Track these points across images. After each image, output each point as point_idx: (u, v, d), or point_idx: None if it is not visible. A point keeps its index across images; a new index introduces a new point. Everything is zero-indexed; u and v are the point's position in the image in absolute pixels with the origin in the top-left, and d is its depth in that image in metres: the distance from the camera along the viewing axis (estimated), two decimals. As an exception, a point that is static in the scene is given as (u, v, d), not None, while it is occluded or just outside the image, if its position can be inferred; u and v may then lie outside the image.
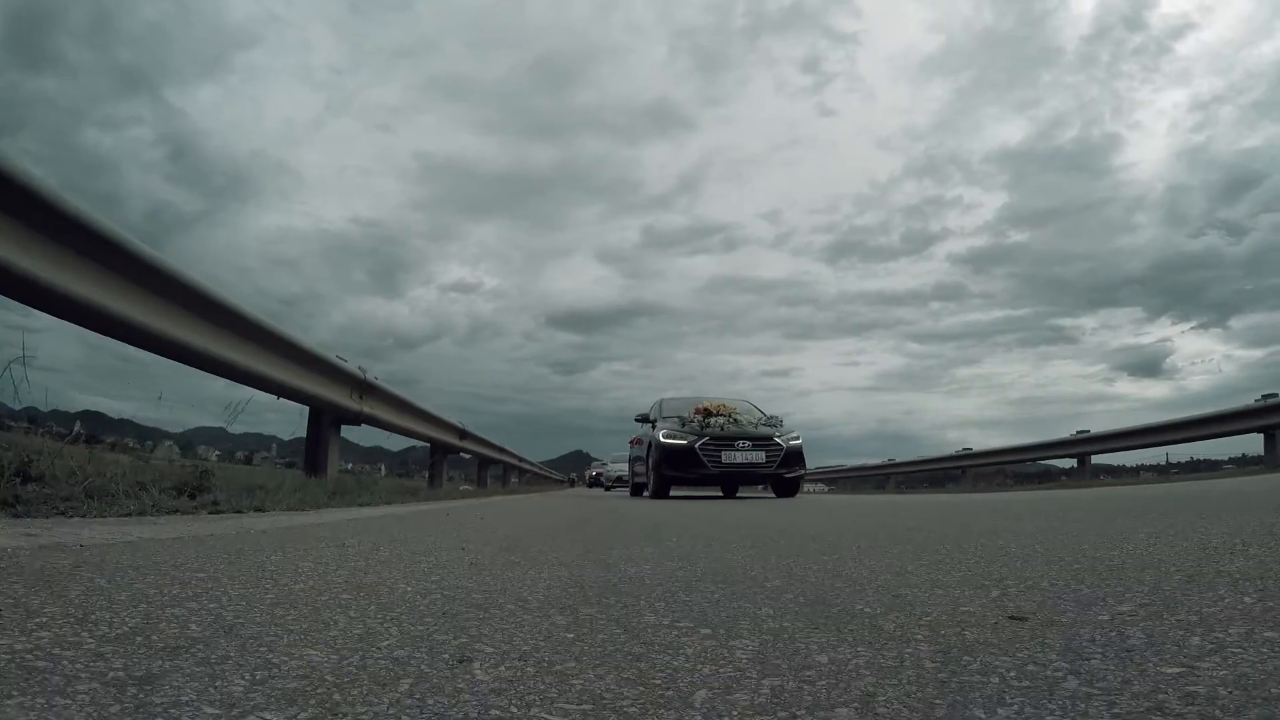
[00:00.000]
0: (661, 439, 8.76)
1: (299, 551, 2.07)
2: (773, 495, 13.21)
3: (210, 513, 3.27)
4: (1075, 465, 13.64)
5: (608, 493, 16.54)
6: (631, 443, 12.25)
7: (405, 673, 0.86)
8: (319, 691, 0.78)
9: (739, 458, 8.50)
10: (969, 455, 16.22)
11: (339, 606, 1.26)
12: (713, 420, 8.93)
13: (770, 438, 8.65)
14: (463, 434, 10.59)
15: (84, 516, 2.51)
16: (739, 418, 9.09)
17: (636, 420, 10.96)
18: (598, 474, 28.25)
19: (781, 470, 8.59)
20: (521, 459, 18.91)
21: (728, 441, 8.58)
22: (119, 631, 1.00)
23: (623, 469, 20.29)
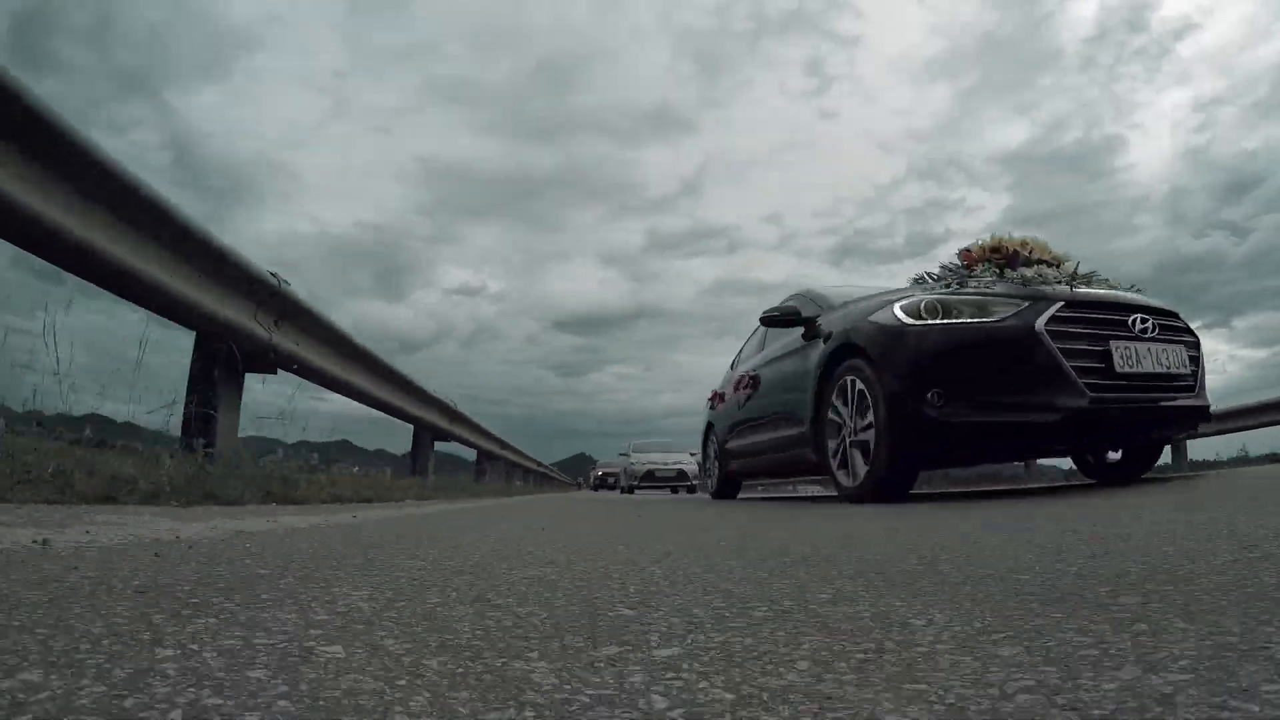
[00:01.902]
0: (900, 318, 3.34)
1: None
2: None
3: None
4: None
5: (629, 495, 12.91)
6: (714, 399, 6.36)
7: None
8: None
9: (1144, 358, 3.21)
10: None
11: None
12: (1033, 274, 3.60)
13: (1174, 315, 3.52)
14: (453, 414, 8.24)
15: None
16: (1073, 268, 3.74)
17: (765, 323, 4.69)
18: (604, 474, 23.00)
19: (1200, 401, 3.47)
20: (522, 453, 16.53)
21: (1119, 317, 3.27)
22: None
23: (658, 461, 15.97)
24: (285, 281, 3.58)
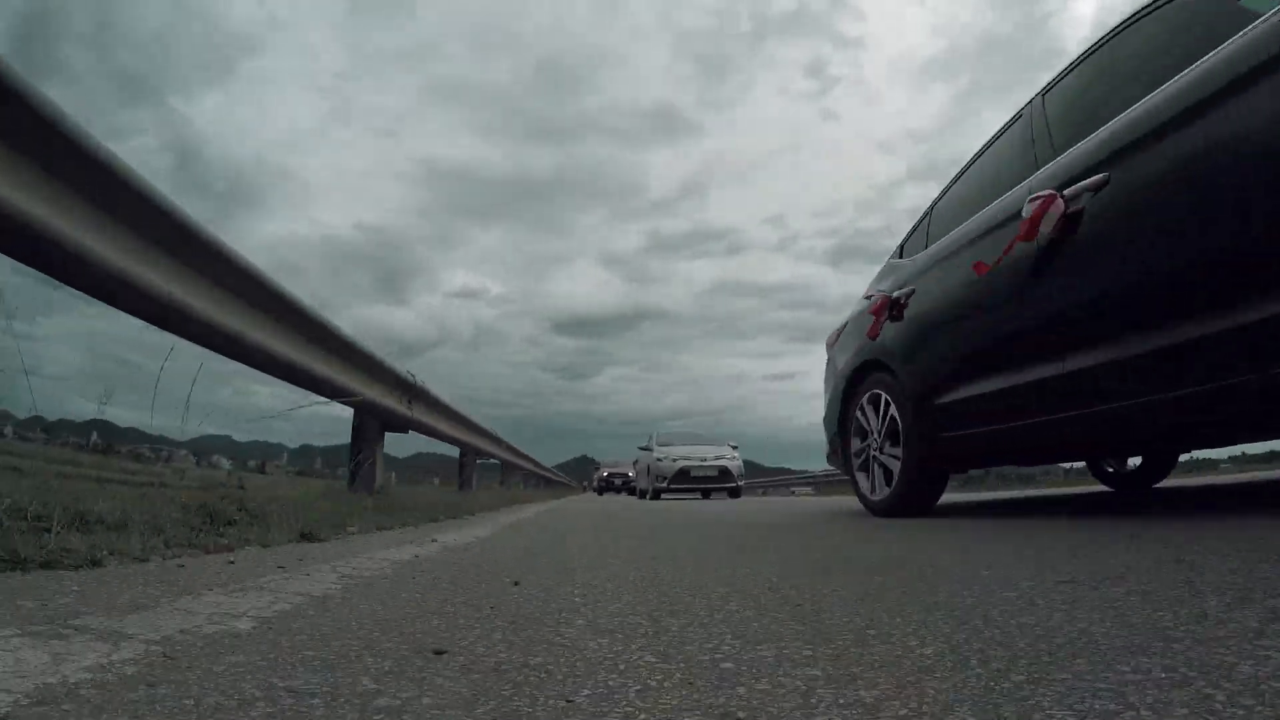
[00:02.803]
0: None
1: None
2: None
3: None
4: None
5: (651, 502, 10.54)
6: (880, 314, 3.35)
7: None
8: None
9: None
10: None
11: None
12: None
13: None
14: (495, 439, 10.20)
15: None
16: None
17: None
18: (609, 475, 21.37)
19: None
20: (535, 461, 18.18)
21: None
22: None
23: (693, 456, 12.23)
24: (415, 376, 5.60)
